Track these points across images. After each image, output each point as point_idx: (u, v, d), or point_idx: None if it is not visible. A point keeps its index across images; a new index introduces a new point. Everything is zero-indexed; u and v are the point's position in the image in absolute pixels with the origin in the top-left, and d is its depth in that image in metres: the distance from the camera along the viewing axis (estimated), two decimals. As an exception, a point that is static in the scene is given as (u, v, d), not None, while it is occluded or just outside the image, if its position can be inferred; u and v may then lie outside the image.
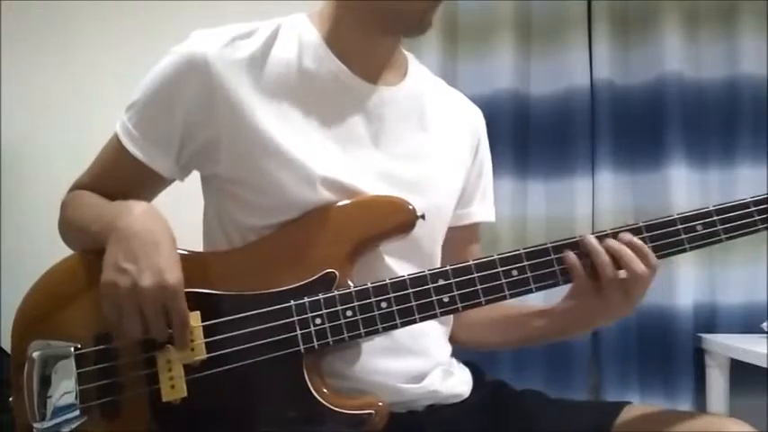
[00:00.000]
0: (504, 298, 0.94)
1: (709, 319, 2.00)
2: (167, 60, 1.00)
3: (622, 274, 0.95)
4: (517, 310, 1.14)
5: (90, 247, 0.97)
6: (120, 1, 2.06)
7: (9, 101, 2.04)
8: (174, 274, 0.89)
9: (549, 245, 0.96)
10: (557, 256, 0.96)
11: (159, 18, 2.03)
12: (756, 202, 0.97)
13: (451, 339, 1.15)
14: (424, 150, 1.08)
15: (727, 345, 1.86)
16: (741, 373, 1.89)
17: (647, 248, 0.94)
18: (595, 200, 2.02)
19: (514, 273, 0.95)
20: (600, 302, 0.97)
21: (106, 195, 1.04)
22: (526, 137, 2.06)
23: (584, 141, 2.03)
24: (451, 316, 1.11)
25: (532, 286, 0.95)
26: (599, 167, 2.03)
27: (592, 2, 2.07)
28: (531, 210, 2.06)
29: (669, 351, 1.96)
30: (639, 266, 0.93)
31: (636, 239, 0.95)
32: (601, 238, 0.95)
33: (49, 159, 1.99)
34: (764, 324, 1.86)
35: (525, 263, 0.95)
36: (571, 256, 0.95)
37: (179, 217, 0.99)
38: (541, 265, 0.95)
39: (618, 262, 0.94)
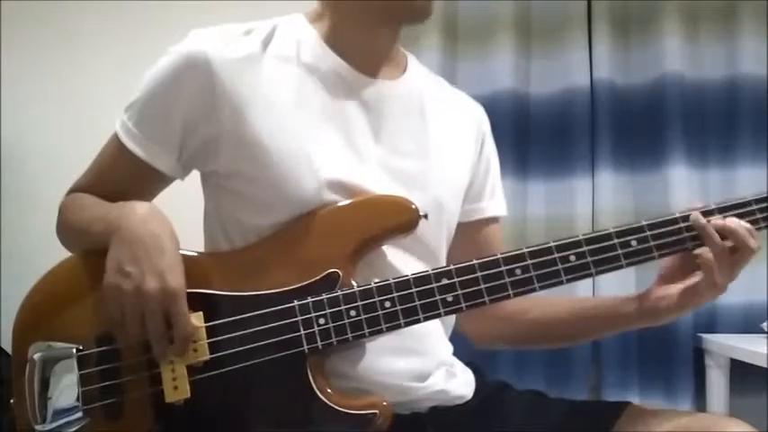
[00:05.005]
0: (508, 297, 0.94)
1: (709, 319, 2.01)
2: (167, 59, 1.00)
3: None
4: (593, 302, 1.14)
5: (92, 249, 0.96)
6: (120, 1, 2.06)
7: (9, 100, 2.04)
8: (175, 278, 0.89)
9: (551, 243, 0.96)
10: (559, 254, 0.95)
11: (158, 17, 2.04)
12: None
13: (491, 340, 1.21)
14: (426, 145, 1.08)
15: (728, 345, 1.87)
16: (741, 373, 1.90)
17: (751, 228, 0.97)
18: (595, 200, 2.03)
19: (518, 272, 0.94)
20: (699, 283, 0.97)
21: (106, 196, 1.03)
22: (526, 137, 2.07)
23: (584, 141, 2.03)
24: (453, 316, 1.11)
25: (536, 285, 0.95)
26: (599, 167, 2.03)
27: (592, 2, 2.07)
28: (531, 210, 2.06)
29: (669, 351, 1.96)
30: (752, 242, 0.96)
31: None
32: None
33: (49, 159, 1.99)
34: (764, 324, 1.86)
35: (528, 261, 0.95)
36: (700, 219, 0.96)
37: (180, 217, 0.99)
38: (545, 263, 0.95)
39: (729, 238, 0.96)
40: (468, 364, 1.13)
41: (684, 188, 1.97)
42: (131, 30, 2.05)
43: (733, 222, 0.96)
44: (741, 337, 1.91)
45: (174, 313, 0.89)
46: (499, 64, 2.05)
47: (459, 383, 1.06)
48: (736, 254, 0.96)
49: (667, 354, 1.96)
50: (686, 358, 1.95)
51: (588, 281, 1.94)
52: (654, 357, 1.98)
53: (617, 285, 1.80)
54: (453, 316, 1.11)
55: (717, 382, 1.92)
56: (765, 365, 1.67)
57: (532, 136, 2.07)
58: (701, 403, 1.96)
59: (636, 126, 2.05)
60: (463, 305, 0.93)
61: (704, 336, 1.96)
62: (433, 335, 1.05)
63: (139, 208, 0.95)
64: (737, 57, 2.04)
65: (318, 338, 0.91)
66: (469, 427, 1.05)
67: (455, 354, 1.11)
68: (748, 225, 0.96)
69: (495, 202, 1.21)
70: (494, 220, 1.21)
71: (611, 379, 1.99)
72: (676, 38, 2.02)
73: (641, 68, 2.06)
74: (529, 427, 1.05)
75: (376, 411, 0.90)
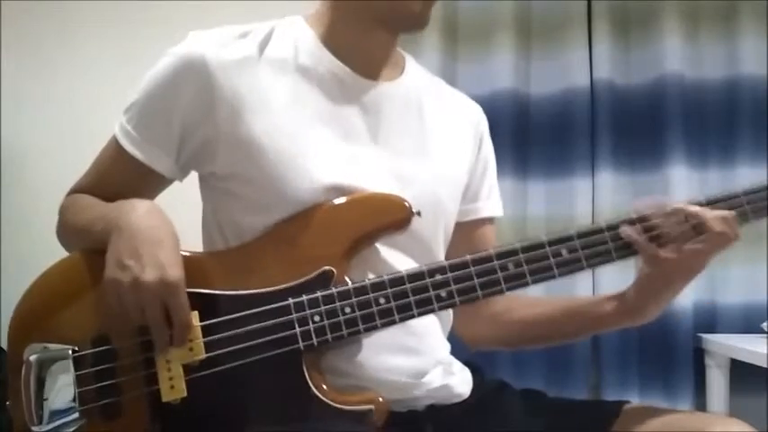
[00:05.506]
0: (501, 292, 0.95)
1: (709, 319, 2.01)
2: (165, 61, 1.00)
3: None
4: (577, 301, 1.16)
5: (92, 248, 0.96)
6: (120, 1, 2.06)
7: (9, 100, 2.04)
8: (175, 271, 0.89)
9: (543, 239, 0.96)
10: (552, 248, 0.96)
11: (158, 17, 2.04)
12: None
13: (482, 342, 1.20)
14: (424, 145, 1.09)
15: (728, 345, 1.87)
16: (741, 373, 1.90)
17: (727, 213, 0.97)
18: (595, 200, 2.03)
19: (510, 266, 0.95)
20: (671, 269, 0.98)
21: (105, 198, 1.04)
22: (526, 137, 2.07)
23: (584, 141, 2.04)
24: (450, 315, 1.11)
25: (529, 279, 0.95)
26: (599, 167, 2.03)
27: (592, 2, 2.07)
28: (531, 210, 2.06)
29: (669, 351, 1.96)
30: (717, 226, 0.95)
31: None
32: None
33: (49, 159, 1.99)
34: (764, 324, 1.86)
35: (521, 256, 0.95)
36: (627, 229, 0.97)
37: (179, 220, 0.98)
38: (537, 258, 0.96)
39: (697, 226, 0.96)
40: (466, 363, 1.14)
41: (684, 188, 1.96)
42: (131, 30, 2.05)
43: (695, 208, 0.97)
44: (741, 337, 1.91)
45: (172, 305, 0.89)
46: (499, 64, 2.05)
47: (457, 382, 1.06)
48: (703, 241, 0.96)
49: (667, 354, 1.96)
50: (686, 358, 1.95)
51: (588, 278, 1.96)
52: (654, 357, 1.98)
53: (618, 282, 1.80)
54: (451, 315, 1.11)
55: (717, 382, 1.92)
56: (765, 365, 1.67)
57: (532, 136, 2.07)
58: (700, 403, 1.96)
59: (636, 126, 2.05)
60: (457, 300, 0.94)
61: (704, 336, 1.96)
62: (431, 333, 1.05)
63: (139, 205, 0.95)
64: (737, 57, 2.04)
65: (314, 335, 0.91)
66: (467, 425, 1.05)
67: (454, 353, 1.11)
68: (722, 212, 0.96)
69: (492, 202, 1.22)
70: (489, 220, 1.21)
71: (610, 379, 1.99)
72: (676, 38, 2.02)
73: (641, 68, 2.06)
74: (527, 425, 1.05)
75: (371, 407, 0.91)
